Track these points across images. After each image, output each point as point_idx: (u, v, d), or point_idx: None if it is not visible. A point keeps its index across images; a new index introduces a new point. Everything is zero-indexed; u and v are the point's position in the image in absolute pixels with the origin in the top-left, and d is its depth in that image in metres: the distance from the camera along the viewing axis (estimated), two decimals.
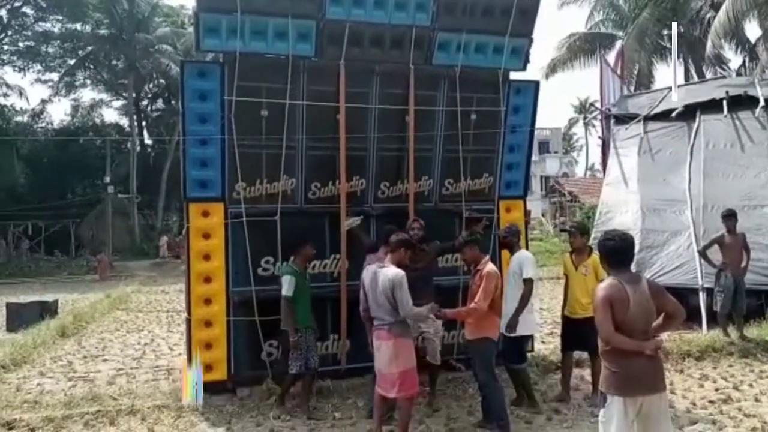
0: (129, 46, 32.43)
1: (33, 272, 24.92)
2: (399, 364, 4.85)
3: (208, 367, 6.17)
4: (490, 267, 5.32)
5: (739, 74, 20.29)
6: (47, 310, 12.34)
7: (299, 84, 6.42)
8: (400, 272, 4.89)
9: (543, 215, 38.13)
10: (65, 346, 9.68)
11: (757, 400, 6.06)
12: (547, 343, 7.79)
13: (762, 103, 10.94)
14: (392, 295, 4.81)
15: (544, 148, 49.86)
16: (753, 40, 22.99)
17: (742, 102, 11.13)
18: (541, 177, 45.36)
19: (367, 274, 5.10)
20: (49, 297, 14.12)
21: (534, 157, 18.08)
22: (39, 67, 35.54)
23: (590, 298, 5.94)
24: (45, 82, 36.39)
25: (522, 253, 5.93)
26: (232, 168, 6.35)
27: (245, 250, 6.34)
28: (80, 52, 34.45)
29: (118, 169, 33.36)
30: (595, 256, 6.23)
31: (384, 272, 4.92)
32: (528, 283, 5.68)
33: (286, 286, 5.75)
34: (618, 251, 3.73)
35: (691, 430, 5.23)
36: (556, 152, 52.16)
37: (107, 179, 30.65)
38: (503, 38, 6.89)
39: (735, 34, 21.54)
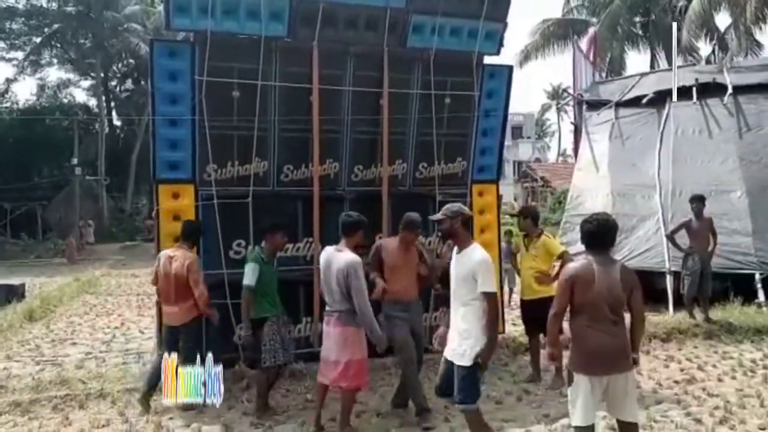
0: (97, 25, 31.61)
1: None
2: (347, 353, 4.76)
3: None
4: None
5: (708, 62, 20.58)
6: (14, 293, 12.10)
7: (272, 65, 6.33)
8: (356, 258, 4.74)
9: (515, 200, 38.45)
10: (33, 330, 9.52)
11: (720, 380, 6.23)
12: (517, 325, 7.89)
13: (730, 90, 11.14)
14: (345, 282, 4.68)
15: (518, 133, 50.18)
16: (723, 29, 23.33)
17: (710, 89, 11.32)
18: (514, 162, 45.69)
19: (323, 256, 5.02)
20: (15, 280, 13.84)
21: (507, 142, 18.16)
22: (3, 44, 34.42)
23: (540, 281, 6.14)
24: (9, 60, 35.27)
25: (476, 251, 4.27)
26: (202, 149, 6.24)
27: (216, 232, 6.26)
28: (46, 30, 33.41)
29: (86, 150, 32.61)
30: (545, 237, 6.36)
31: (339, 257, 4.78)
32: (490, 297, 4.11)
33: (249, 275, 5.27)
34: (593, 234, 3.80)
35: (656, 410, 5.35)
36: (529, 137, 52.56)
37: (75, 161, 29.96)
38: (478, 22, 6.87)
39: (705, 23, 21.85)
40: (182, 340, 5.58)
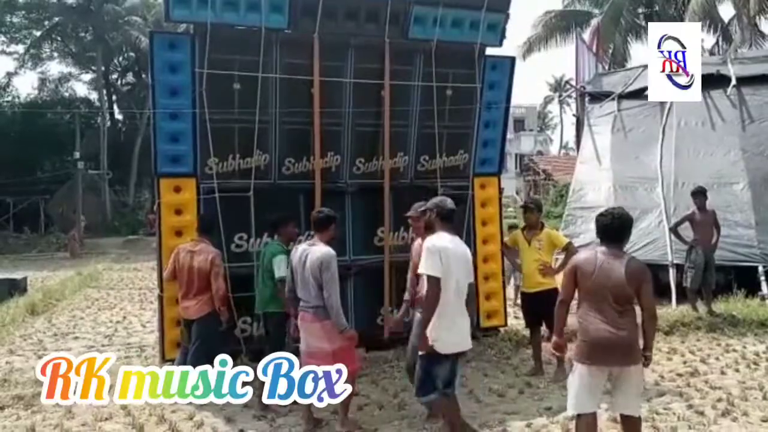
0: (97, 18, 31.51)
1: (1, 250, 24.41)
2: (332, 342, 4.71)
3: (179, 344, 6.10)
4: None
5: (711, 53, 20.48)
6: (16, 287, 12.15)
7: (272, 57, 6.31)
8: (330, 251, 4.71)
9: (517, 193, 38.40)
10: (35, 324, 9.54)
11: (722, 372, 6.21)
12: (520, 318, 7.88)
13: (733, 81, 11.08)
14: (320, 276, 4.63)
15: (520, 126, 50.04)
16: (726, 20, 23.18)
17: (714, 81, 11.25)
18: (516, 155, 45.57)
19: (297, 252, 4.95)
20: (18, 274, 13.87)
21: (509, 135, 18.12)
22: (3, 38, 34.34)
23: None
24: (10, 54, 35.18)
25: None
26: (203, 143, 6.23)
27: (218, 226, 6.24)
28: (46, 23, 33.33)
29: (88, 144, 32.54)
30: (548, 229, 6.35)
31: (313, 251, 4.74)
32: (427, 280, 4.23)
33: (282, 267, 5.28)
34: (607, 228, 3.82)
35: (658, 402, 5.34)
36: (531, 130, 52.43)
37: (77, 155, 29.89)
38: (480, 13, 6.83)
39: (708, 14, 21.72)
40: (194, 334, 5.57)
